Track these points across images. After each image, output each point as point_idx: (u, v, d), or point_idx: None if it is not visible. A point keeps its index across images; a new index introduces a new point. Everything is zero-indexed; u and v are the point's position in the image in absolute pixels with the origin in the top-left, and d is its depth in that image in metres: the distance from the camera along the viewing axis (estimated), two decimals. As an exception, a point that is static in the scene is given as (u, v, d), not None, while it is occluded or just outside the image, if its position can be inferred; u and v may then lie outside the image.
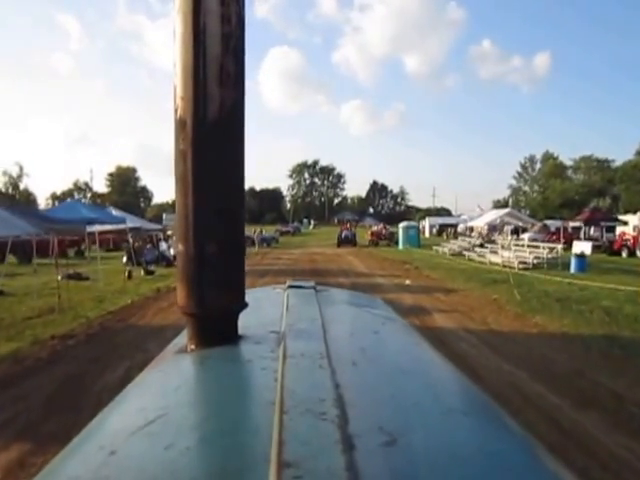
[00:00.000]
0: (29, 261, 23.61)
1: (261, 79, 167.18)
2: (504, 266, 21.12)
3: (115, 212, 22.80)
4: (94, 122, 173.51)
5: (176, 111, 1.04)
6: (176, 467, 0.59)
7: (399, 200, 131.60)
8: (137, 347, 7.46)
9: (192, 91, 1.00)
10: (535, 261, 20.53)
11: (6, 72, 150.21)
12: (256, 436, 0.65)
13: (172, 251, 25.28)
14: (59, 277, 18.13)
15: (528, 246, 23.67)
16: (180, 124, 1.03)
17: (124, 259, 22.97)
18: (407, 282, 15.91)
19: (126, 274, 18.12)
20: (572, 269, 19.11)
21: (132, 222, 22.63)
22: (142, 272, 19.71)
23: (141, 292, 14.25)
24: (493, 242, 28.78)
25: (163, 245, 25.87)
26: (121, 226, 19.70)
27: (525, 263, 20.64)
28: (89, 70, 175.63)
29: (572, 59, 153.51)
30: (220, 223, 1.05)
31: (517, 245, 24.73)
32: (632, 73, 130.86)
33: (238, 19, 1.03)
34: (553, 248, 22.21)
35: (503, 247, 25.35)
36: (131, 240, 25.39)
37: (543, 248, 22.34)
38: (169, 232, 33.19)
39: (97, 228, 19.41)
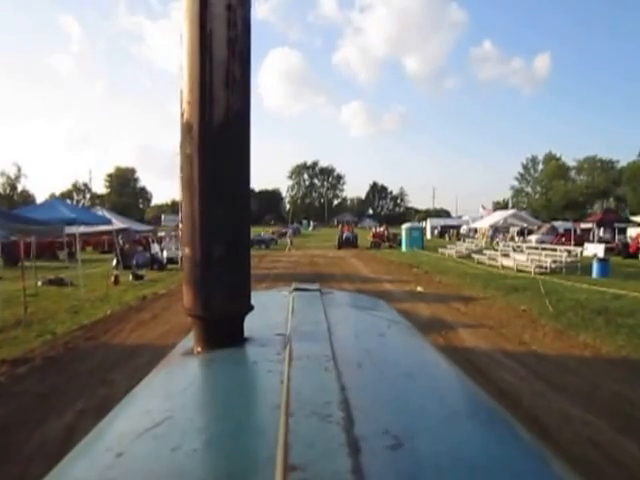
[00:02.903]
0: (16, 263, 22.10)
1: (261, 80, 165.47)
2: (518, 270, 19.79)
3: (106, 213, 21.25)
4: (94, 123, 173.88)
5: (182, 115, 1.04)
6: (182, 469, 0.59)
7: (399, 201, 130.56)
8: (100, 378, 5.98)
9: (198, 95, 1.00)
10: (553, 265, 19.06)
11: (6, 72, 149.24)
12: (262, 438, 0.64)
13: (165, 253, 23.83)
14: (39, 283, 16.77)
15: (543, 249, 22.19)
16: (186, 128, 1.02)
17: (113, 262, 21.55)
18: (419, 289, 14.46)
19: (112, 279, 16.67)
20: (594, 274, 17.69)
21: (121, 223, 21.10)
22: (130, 277, 18.19)
23: (124, 300, 12.77)
24: (510, 246, 27.24)
25: (155, 247, 24.32)
26: (107, 227, 18.15)
27: (542, 267, 19.19)
28: (89, 71, 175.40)
29: (573, 61, 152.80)
30: (226, 226, 1.04)
31: (531, 248, 23.28)
32: (633, 74, 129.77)
33: (244, 23, 1.03)
34: (571, 251, 20.79)
35: (515, 250, 23.96)
36: (121, 242, 24.01)
37: (560, 251, 20.89)
38: (162, 233, 31.79)
39: (82, 229, 18.05)
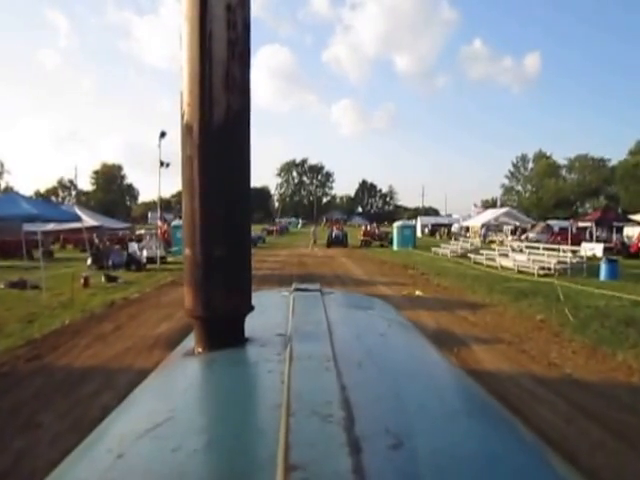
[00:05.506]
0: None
1: (251, 77, 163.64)
2: (519, 272, 18.65)
3: (76, 209, 19.70)
4: (81, 120, 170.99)
5: (183, 117, 1.04)
6: (183, 470, 0.58)
7: (388, 199, 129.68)
8: (25, 421, 4.58)
9: (198, 97, 1.00)
10: (557, 266, 17.87)
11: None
12: (263, 438, 0.64)
13: (145, 252, 22.31)
14: (1, 285, 15.24)
15: (545, 249, 21.03)
16: (187, 129, 1.03)
17: (88, 261, 20.03)
18: (417, 293, 13.20)
19: (81, 281, 15.17)
20: (602, 276, 16.57)
21: (93, 220, 19.57)
22: (103, 278, 16.66)
23: (90, 306, 11.32)
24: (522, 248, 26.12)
25: (133, 246, 22.74)
26: (75, 225, 16.63)
27: (545, 269, 18.02)
28: (76, 67, 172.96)
29: (562, 59, 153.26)
30: (226, 227, 1.05)
31: (531, 247, 22.13)
32: (623, 72, 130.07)
33: (244, 24, 1.03)
34: (576, 251, 19.67)
35: (514, 250, 22.84)
36: (97, 240, 22.48)
37: (564, 251, 19.74)
38: (142, 231, 30.21)
39: (52, 227, 16.59)
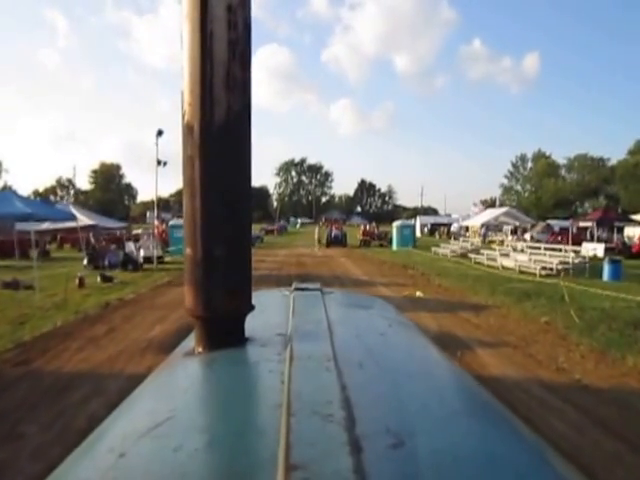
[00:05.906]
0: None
1: (252, 77, 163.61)
2: (521, 272, 18.43)
3: (72, 208, 19.43)
4: (80, 119, 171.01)
5: (183, 117, 1.05)
6: (184, 469, 0.58)
7: (387, 199, 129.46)
8: (7, 431, 4.33)
9: (199, 97, 1.01)
10: (560, 267, 17.63)
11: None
12: (263, 438, 0.64)
13: (142, 252, 22.05)
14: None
15: (546, 249, 20.80)
16: (187, 129, 1.03)
17: (84, 261, 19.78)
18: (418, 294, 12.95)
19: (76, 282, 14.90)
20: (605, 276, 16.35)
21: (88, 219, 19.29)
22: (98, 278, 16.39)
23: (83, 308, 11.06)
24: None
25: (130, 246, 22.46)
26: (70, 224, 16.36)
27: (546, 269, 17.78)
28: (75, 66, 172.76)
29: (561, 59, 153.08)
30: (227, 227, 1.05)
31: (533, 248, 21.91)
32: (622, 72, 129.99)
33: (244, 25, 1.03)
34: (577, 251, 19.46)
35: (516, 250, 22.63)
36: (92, 240, 22.24)
37: (565, 251, 19.52)
38: (138, 231, 29.91)
39: (46, 226, 16.34)
